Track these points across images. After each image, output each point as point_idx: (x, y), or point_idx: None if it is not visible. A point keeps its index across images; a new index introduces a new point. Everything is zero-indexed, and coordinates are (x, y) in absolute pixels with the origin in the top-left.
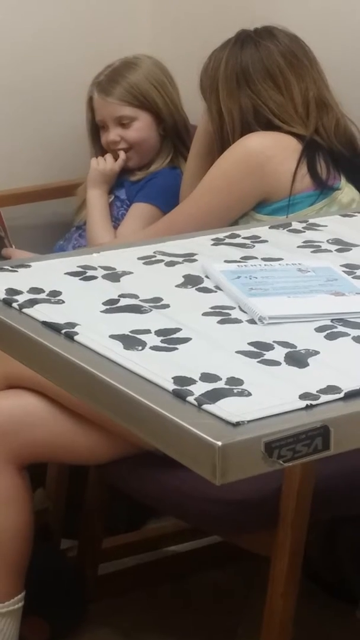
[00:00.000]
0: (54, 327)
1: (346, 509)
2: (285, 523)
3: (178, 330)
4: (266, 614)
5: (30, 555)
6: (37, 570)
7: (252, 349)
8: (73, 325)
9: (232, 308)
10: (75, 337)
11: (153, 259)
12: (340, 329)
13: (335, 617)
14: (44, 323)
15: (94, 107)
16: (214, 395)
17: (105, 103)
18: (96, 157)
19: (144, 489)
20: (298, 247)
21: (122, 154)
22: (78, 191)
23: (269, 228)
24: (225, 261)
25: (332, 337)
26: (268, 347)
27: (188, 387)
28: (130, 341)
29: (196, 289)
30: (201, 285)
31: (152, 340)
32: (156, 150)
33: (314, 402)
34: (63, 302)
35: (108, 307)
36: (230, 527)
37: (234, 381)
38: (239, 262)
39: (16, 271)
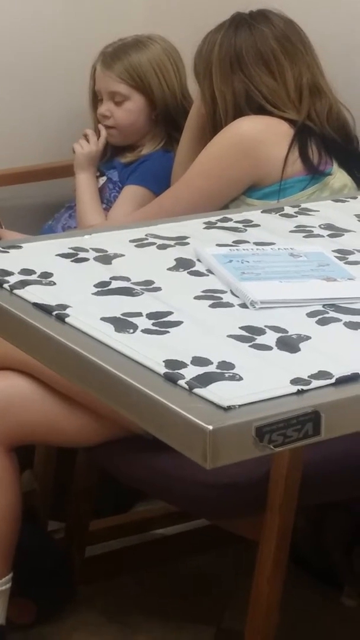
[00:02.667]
0: (45, 309)
1: (334, 494)
2: (273, 507)
3: (169, 313)
4: (253, 598)
5: (18, 537)
6: (24, 552)
7: (243, 333)
8: (64, 307)
9: (223, 292)
10: (67, 319)
11: (145, 241)
12: (332, 314)
13: (322, 602)
14: (35, 304)
15: (95, 76)
16: (205, 379)
17: (103, 75)
18: (84, 136)
19: (132, 471)
20: (290, 231)
21: (102, 131)
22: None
23: (262, 212)
24: (217, 245)
25: (323, 322)
26: (259, 331)
27: (179, 371)
28: (122, 324)
29: (188, 272)
30: (193, 269)
31: (144, 323)
32: (143, 134)
33: (305, 388)
34: (54, 283)
35: (99, 289)
36: (218, 511)
37: (225, 365)
38: (231, 246)
39: (7, 252)
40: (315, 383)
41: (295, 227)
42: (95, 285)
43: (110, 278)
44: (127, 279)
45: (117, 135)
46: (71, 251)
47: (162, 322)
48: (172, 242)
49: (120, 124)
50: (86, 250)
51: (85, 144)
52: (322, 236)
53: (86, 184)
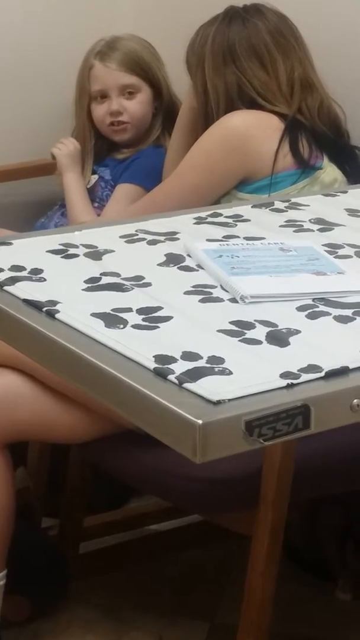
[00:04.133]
0: (35, 305)
1: (327, 488)
2: (266, 502)
3: (159, 308)
4: (246, 593)
5: (12, 534)
6: (18, 548)
7: (233, 327)
8: (54, 303)
9: (213, 287)
10: (57, 315)
11: (135, 237)
12: (322, 308)
13: (316, 596)
14: (25, 301)
15: (91, 78)
16: (195, 374)
17: (109, 70)
18: (65, 138)
19: (125, 467)
20: (280, 226)
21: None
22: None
23: (252, 207)
24: (207, 240)
25: (313, 316)
26: (249, 326)
27: (169, 366)
28: (112, 319)
29: (178, 268)
30: (183, 264)
31: (134, 318)
32: (148, 127)
33: (294, 381)
34: (44, 280)
35: (90, 285)
36: (211, 506)
37: (215, 360)
38: (221, 241)
39: None
40: (305, 377)
41: (286, 221)
42: (86, 281)
43: (101, 274)
44: (117, 275)
45: (131, 129)
46: (61, 247)
47: (152, 318)
48: (162, 238)
49: (135, 117)
50: (76, 247)
51: (62, 146)
52: (312, 230)
53: (74, 184)
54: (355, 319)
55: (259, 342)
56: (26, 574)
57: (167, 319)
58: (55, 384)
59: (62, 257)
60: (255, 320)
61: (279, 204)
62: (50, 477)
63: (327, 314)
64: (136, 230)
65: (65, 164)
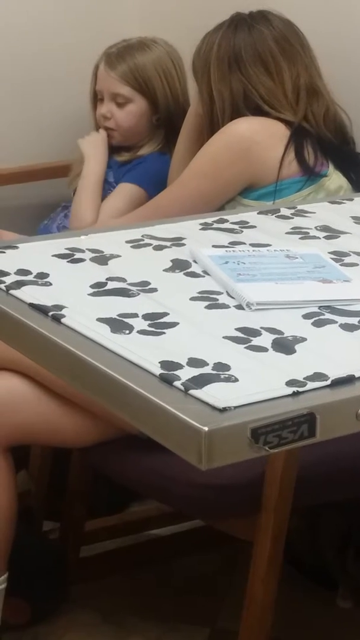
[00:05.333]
0: (41, 309)
1: (328, 495)
2: (268, 508)
3: (165, 314)
4: (247, 598)
5: (13, 537)
6: (19, 552)
7: (239, 334)
8: (60, 307)
9: (219, 293)
10: (63, 320)
11: (141, 242)
12: (328, 316)
13: (317, 603)
14: (31, 305)
15: (97, 76)
16: (201, 381)
17: (107, 75)
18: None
19: (127, 472)
20: (286, 233)
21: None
22: (74, 162)
23: (258, 214)
24: (214, 246)
25: (319, 324)
26: (255, 333)
27: (175, 372)
28: (118, 325)
29: (184, 274)
30: (189, 270)
31: (140, 324)
32: (143, 136)
33: (300, 389)
34: (50, 284)
35: (95, 290)
36: (213, 512)
37: (221, 367)
38: (227, 247)
39: (3, 252)
40: (311, 385)
41: (292, 228)
42: (92, 286)
43: (107, 279)
44: (123, 280)
45: (117, 136)
46: (67, 252)
47: (158, 323)
48: (168, 243)
49: (121, 126)
50: (82, 251)
51: (88, 137)
52: (318, 238)
53: (91, 175)
54: None
55: (264, 350)
56: (27, 578)
57: (173, 325)
58: (59, 388)
59: (68, 261)
60: (261, 328)
61: (284, 211)
62: (52, 480)
63: (333, 321)
64: (142, 236)
65: (89, 153)
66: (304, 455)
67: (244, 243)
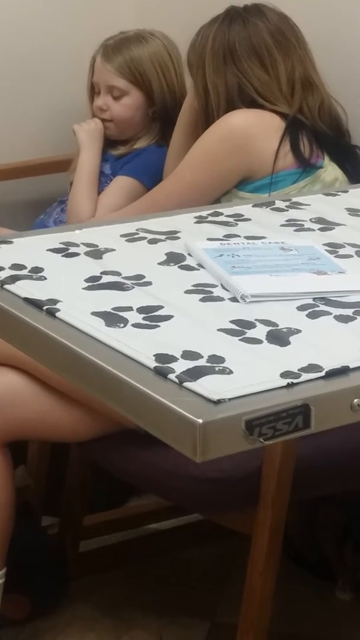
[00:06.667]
0: (35, 304)
1: (327, 488)
2: (266, 501)
3: (160, 307)
4: (246, 592)
5: (12, 533)
6: (18, 547)
7: (233, 327)
8: (55, 301)
9: (214, 286)
10: (57, 314)
11: (136, 236)
12: (322, 307)
13: (315, 596)
14: (26, 299)
15: (93, 68)
16: (196, 373)
17: (103, 68)
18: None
19: (125, 466)
20: (281, 225)
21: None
22: (74, 154)
23: (252, 206)
24: (208, 239)
25: (313, 315)
26: (250, 325)
27: (169, 365)
28: (112, 318)
29: (178, 267)
30: (183, 263)
31: (134, 317)
32: (139, 129)
33: (295, 381)
34: (45, 278)
35: (90, 284)
36: (211, 505)
37: (215, 359)
38: (222, 240)
39: None
40: (305, 376)
41: (286, 221)
42: (86, 280)
43: (101, 273)
44: (118, 274)
45: (113, 129)
46: (62, 246)
47: (152, 317)
48: (162, 237)
49: (117, 119)
50: (77, 245)
51: (84, 123)
52: (313, 230)
53: (88, 165)
54: (355, 318)
55: (259, 342)
56: (26, 573)
57: (167, 318)
58: (56, 382)
59: (62, 255)
60: (255, 320)
61: (279, 203)
62: (50, 475)
63: (328, 313)
64: (137, 229)
65: (84, 141)
66: (301, 448)
67: (239, 236)
